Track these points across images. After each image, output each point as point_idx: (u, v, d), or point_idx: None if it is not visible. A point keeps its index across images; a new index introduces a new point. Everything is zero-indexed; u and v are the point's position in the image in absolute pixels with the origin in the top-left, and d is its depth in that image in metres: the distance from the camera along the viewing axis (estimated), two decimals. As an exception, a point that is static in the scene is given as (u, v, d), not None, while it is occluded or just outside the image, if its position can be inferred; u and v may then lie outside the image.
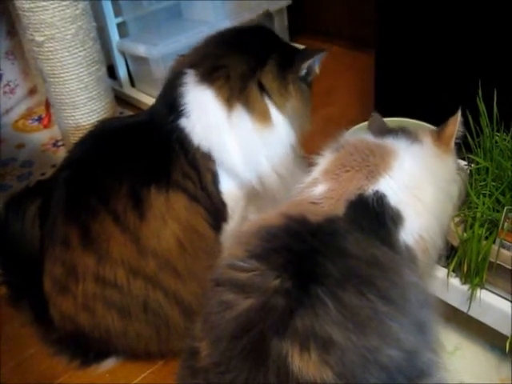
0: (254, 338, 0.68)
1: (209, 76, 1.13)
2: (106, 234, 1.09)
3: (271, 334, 0.68)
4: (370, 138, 0.98)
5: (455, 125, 0.99)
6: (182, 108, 1.13)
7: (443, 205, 0.94)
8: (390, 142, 0.95)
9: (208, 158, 1.13)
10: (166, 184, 1.10)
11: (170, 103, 1.16)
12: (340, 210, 0.84)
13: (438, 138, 0.99)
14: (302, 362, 0.66)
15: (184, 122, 1.13)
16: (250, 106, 1.13)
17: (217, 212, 1.17)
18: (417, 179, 0.90)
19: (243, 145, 1.14)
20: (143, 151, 1.14)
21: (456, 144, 1.02)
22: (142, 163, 1.12)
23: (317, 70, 1.22)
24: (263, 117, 1.14)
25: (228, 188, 1.17)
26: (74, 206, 1.12)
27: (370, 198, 0.85)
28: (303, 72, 1.19)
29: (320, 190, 0.89)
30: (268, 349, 0.67)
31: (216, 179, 1.15)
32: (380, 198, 0.85)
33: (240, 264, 0.75)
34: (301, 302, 0.69)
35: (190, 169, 1.13)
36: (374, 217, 0.84)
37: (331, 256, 0.75)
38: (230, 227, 1.19)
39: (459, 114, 0.99)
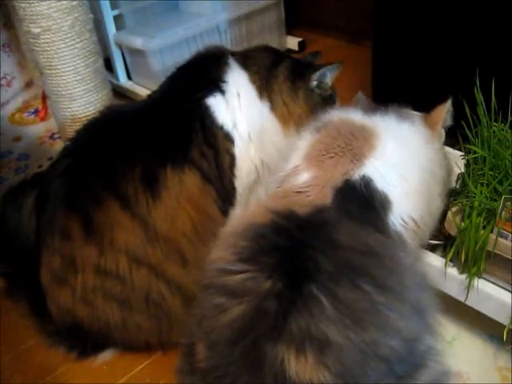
0: (248, 344, 0.67)
1: (244, 60, 1.24)
2: (111, 222, 1.07)
3: (265, 340, 0.66)
4: (352, 116, 0.95)
5: (442, 111, 0.99)
6: (222, 84, 1.19)
7: (429, 183, 0.92)
8: (372, 121, 0.92)
9: (229, 138, 1.17)
10: (181, 162, 1.11)
11: (203, 80, 1.20)
12: (327, 198, 0.82)
13: (426, 122, 0.99)
14: (298, 366, 0.64)
15: (211, 101, 1.17)
16: (272, 102, 1.24)
17: (226, 195, 1.18)
18: (401, 158, 0.88)
19: (262, 129, 1.22)
20: (158, 131, 1.14)
21: (453, 134, 1.02)
22: (156, 143, 1.12)
23: (329, 81, 1.29)
24: (282, 117, 1.24)
25: (241, 171, 1.19)
26: (75, 196, 1.11)
27: (357, 183, 0.83)
28: (314, 83, 1.26)
29: (304, 177, 0.87)
30: (263, 355, 0.65)
31: (233, 162, 1.18)
32: (367, 183, 0.83)
33: (229, 268, 0.73)
34: (294, 303, 0.67)
35: (207, 149, 1.14)
36: (362, 202, 0.82)
37: (322, 249, 0.72)
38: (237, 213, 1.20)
39: (449, 102, 1.00)
